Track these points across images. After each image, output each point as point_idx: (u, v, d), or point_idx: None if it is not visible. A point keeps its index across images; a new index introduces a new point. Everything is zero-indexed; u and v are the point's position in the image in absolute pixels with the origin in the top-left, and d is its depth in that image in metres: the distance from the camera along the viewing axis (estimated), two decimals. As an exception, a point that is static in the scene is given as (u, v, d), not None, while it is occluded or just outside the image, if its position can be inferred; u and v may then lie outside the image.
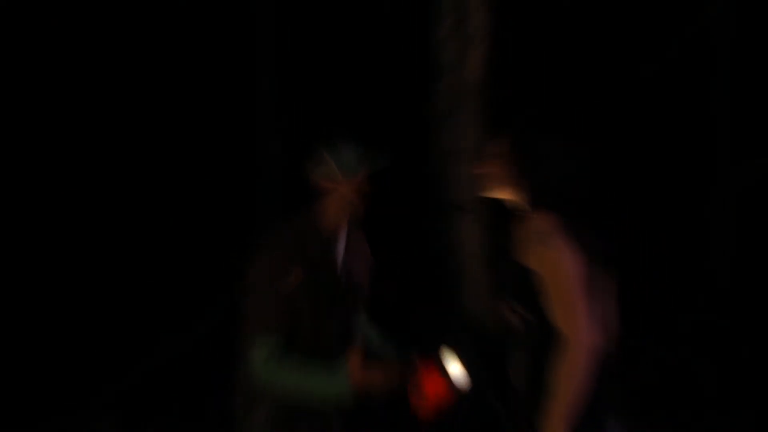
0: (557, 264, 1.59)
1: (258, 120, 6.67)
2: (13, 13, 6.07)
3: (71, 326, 5.17)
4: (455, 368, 1.82)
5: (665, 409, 3.82)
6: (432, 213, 4.52)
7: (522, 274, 1.65)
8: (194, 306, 5.39)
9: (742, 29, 6.23)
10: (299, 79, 6.82)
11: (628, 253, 5.58)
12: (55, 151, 6.37)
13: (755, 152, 6.24)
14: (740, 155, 6.31)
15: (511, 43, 5.41)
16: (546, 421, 1.59)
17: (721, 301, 5.71)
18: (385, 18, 6.58)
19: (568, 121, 6.14)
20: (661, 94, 6.76)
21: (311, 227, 1.92)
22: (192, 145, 6.75)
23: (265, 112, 6.66)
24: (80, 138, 6.45)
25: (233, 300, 5.45)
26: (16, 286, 5.51)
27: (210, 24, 6.70)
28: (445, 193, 4.42)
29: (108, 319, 5.28)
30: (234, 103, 6.84)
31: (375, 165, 1.91)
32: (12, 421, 3.72)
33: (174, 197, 6.61)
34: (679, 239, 6.61)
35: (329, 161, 1.88)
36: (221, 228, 6.61)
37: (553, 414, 1.58)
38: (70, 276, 5.85)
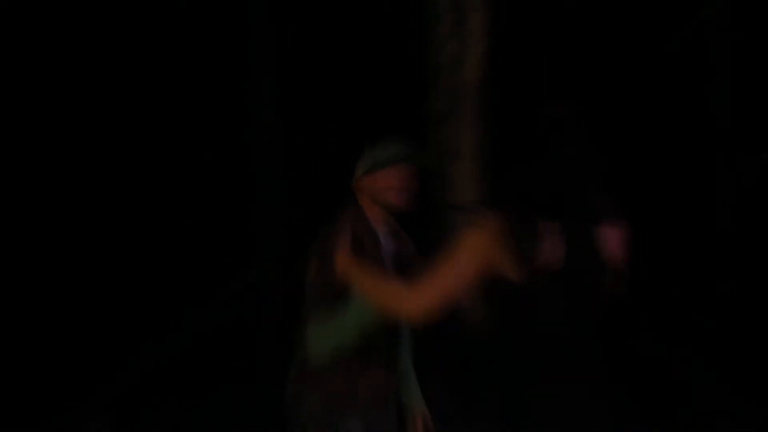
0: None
1: (255, 118, 6.65)
2: (10, 12, 6.06)
3: (66, 326, 5.16)
4: None
5: (662, 410, 3.82)
6: (430, 213, 4.51)
7: None
8: (191, 306, 5.38)
9: (741, 25, 6.24)
10: (297, 77, 6.81)
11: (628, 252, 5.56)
12: (52, 151, 6.36)
13: (755, 149, 6.24)
14: (740, 153, 6.32)
15: (509, 43, 5.39)
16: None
17: (721, 301, 5.71)
18: (383, 17, 6.58)
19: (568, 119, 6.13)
20: (660, 91, 6.76)
21: (359, 218, 2.01)
22: (190, 143, 6.75)
23: (262, 111, 6.64)
24: (77, 137, 6.44)
25: (232, 299, 5.45)
26: (12, 287, 5.50)
27: (206, 21, 6.69)
28: (443, 193, 4.41)
29: (104, 319, 5.27)
30: (231, 102, 6.83)
31: (413, 160, 2.00)
32: (9, 421, 3.70)
33: (172, 195, 6.60)
34: (678, 238, 6.60)
35: (369, 157, 2.00)
36: (219, 227, 6.60)
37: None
38: (67, 276, 5.84)
